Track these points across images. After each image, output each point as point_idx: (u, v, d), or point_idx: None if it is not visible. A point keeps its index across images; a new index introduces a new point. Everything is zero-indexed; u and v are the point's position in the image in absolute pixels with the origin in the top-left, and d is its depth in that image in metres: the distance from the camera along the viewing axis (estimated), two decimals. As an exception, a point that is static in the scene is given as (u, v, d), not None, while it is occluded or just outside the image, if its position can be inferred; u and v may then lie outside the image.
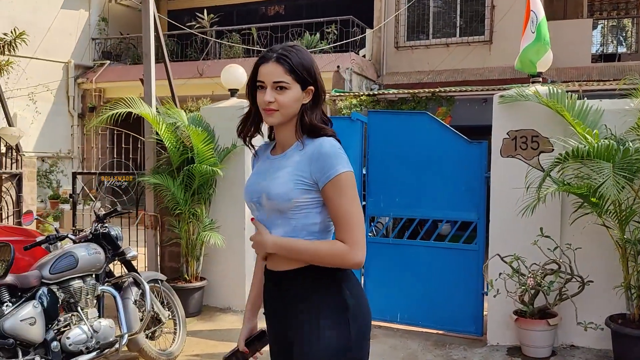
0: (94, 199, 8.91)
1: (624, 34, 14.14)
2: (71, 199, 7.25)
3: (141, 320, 4.33)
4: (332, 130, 1.97)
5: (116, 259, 4.48)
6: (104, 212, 4.47)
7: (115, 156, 8.54)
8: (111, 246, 4.44)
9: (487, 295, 4.89)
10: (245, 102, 6.23)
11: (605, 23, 13.05)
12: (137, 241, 6.63)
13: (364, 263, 1.89)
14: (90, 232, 4.41)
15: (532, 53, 4.90)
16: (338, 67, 10.95)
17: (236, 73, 6.30)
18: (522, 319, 4.58)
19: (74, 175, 7.12)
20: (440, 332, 5.38)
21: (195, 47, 13.68)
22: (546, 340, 4.56)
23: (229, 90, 6.33)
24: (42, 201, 12.83)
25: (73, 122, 14.24)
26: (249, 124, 2.04)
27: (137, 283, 4.43)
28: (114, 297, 4.30)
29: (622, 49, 14.18)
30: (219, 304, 6.24)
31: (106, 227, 4.48)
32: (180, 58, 13.65)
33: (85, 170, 12.24)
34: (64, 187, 13.24)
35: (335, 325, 1.87)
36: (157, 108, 6.17)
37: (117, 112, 5.56)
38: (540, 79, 5.03)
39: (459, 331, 5.31)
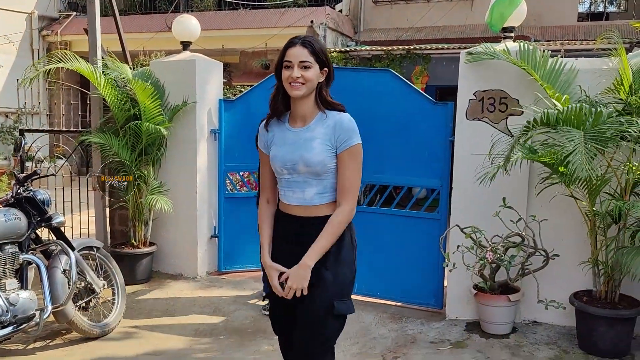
0: (62, 157, 8.50)
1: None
2: (19, 158, 6.83)
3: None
4: (342, 105, 2.46)
5: (43, 225, 4.10)
6: (23, 175, 4.06)
7: (80, 112, 8.08)
8: (37, 211, 4.06)
9: (445, 264, 4.58)
10: (198, 56, 5.78)
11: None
12: (87, 204, 6.25)
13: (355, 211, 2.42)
14: (12, 197, 4.02)
15: (505, 5, 4.47)
16: (312, 21, 10.42)
17: (189, 24, 5.82)
18: (482, 293, 4.28)
19: (21, 132, 6.68)
20: (399, 304, 5.09)
21: (165, -1, 13.03)
22: (506, 317, 4.28)
23: (181, 42, 5.86)
24: (5, 158, 12.34)
25: (38, 77, 13.57)
26: (279, 102, 2.48)
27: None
28: (38, 267, 3.94)
29: (612, 8, 13.68)
30: (170, 270, 5.91)
31: (31, 190, 4.09)
32: (148, 10, 13.00)
33: (45, 128, 11.72)
34: (29, 144, 12.71)
35: (349, 260, 2.45)
36: (103, 62, 5.69)
37: (50, 67, 5.09)
38: (512, 35, 4.61)
39: (419, 304, 5.02)
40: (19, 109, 13.09)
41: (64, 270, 4.03)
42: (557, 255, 4.18)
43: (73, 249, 4.11)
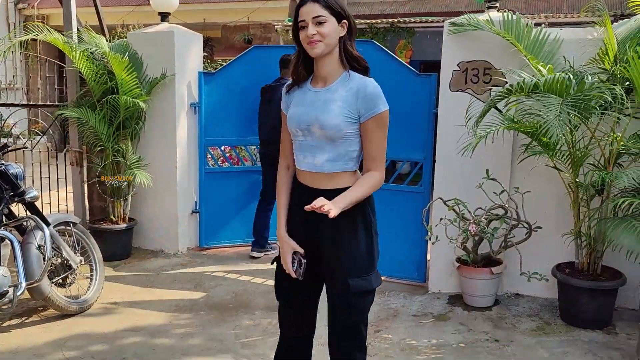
0: (40, 133, 8.34)
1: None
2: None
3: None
4: (365, 60, 2.31)
5: (16, 200, 3.99)
6: (-7, 148, 3.94)
7: (56, 87, 7.88)
8: (9, 186, 3.94)
9: (428, 237, 4.54)
10: (177, 27, 5.63)
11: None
12: (65, 179, 6.13)
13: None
14: (-19, 171, 3.90)
15: (489, -26, 4.39)
16: (295, -6, 10.22)
17: (167, -6, 5.65)
18: (464, 266, 4.26)
19: (-6, 107, 6.52)
20: (383, 278, 5.04)
21: (145, -29, 12.72)
22: (489, 289, 4.26)
23: (159, 13, 5.70)
24: (-13, 131, 12.08)
25: (16, 51, 13.28)
26: (301, 67, 2.32)
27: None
28: (11, 243, 3.83)
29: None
30: (150, 247, 5.83)
31: (2, 164, 3.96)
32: (129, -17, 12.69)
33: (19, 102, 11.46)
34: (7, 121, 12.47)
35: (366, 235, 2.33)
36: (79, 34, 5.53)
37: (24, 39, 4.94)
38: (497, 4, 4.53)
39: (402, 277, 4.99)
40: (-4, 84, 12.87)
41: (39, 246, 3.93)
42: (540, 227, 4.16)
43: (48, 224, 4.01)
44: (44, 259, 3.89)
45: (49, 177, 6.02)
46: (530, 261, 4.26)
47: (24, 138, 11.13)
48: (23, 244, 3.93)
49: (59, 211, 6.19)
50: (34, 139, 9.81)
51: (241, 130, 5.97)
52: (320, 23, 2.18)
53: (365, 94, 2.21)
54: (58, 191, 6.13)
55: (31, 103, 6.34)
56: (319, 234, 2.33)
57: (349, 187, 2.27)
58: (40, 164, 6.15)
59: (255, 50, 5.87)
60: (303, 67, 2.32)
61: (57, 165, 6.12)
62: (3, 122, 6.81)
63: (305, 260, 2.33)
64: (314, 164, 2.31)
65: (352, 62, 2.27)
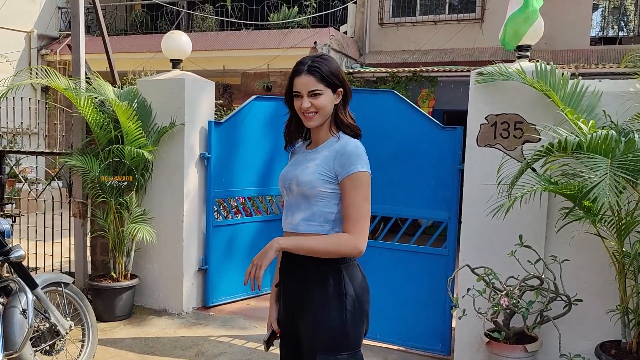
0: (55, 179, 8.10)
1: (626, 18, 13.24)
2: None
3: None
4: (358, 127, 2.26)
5: (1, 259, 3.66)
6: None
7: (64, 134, 7.68)
8: (-5, 244, 3.62)
9: (454, 309, 4.09)
10: (188, 74, 5.39)
11: (607, 4, 12.11)
12: (69, 230, 5.82)
13: (364, 252, 2.10)
14: (-36, 227, 3.59)
15: (519, 22, 4.06)
16: (315, 43, 10.06)
17: (179, 41, 5.43)
18: (495, 342, 3.78)
19: (2, 153, 6.32)
20: (402, 348, 4.60)
21: (166, 19, 12.74)
22: (522, 369, 3.77)
23: (171, 60, 5.47)
24: (-2, 179, 11.95)
25: (35, 97, 13.30)
26: (293, 130, 2.30)
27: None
28: (-8, 307, 3.48)
29: (622, 34, 13.29)
30: (153, 305, 5.45)
31: (-12, 220, 3.66)
32: (150, 30, 12.72)
33: (48, 150, 11.35)
34: (23, 165, 12.38)
35: (339, 308, 2.11)
36: (87, 80, 5.31)
37: (22, 83, 4.72)
38: (528, 54, 4.19)
39: (424, 348, 4.54)
40: (15, 129, 12.83)
41: (23, 311, 3.57)
42: (580, 300, 3.69)
43: (35, 286, 3.66)
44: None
45: (52, 227, 5.72)
46: (570, 338, 3.78)
47: (38, 183, 10.99)
48: (6, 307, 3.57)
49: (61, 263, 5.88)
50: (49, 184, 9.65)
51: (252, 181, 5.68)
52: (316, 95, 2.14)
53: (343, 153, 2.13)
54: (61, 241, 5.81)
55: (38, 150, 6.09)
56: (293, 299, 2.24)
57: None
58: (53, 209, 5.87)
59: (255, 102, 5.65)
60: (296, 131, 2.30)
61: (61, 214, 5.83)
62: (12, 167, 6.64)
63: (276, 335, 2.34)
64: (292, 223, 2.23)
65: (344, 129, 2.23)
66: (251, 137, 5.62)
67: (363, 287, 2.20)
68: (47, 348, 3.82)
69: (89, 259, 5.66)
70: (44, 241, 5.81)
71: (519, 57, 4.19)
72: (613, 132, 3.18)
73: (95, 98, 4.96)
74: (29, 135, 13.18)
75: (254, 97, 5.71)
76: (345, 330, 2.11)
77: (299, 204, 2.20)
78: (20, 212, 6.46)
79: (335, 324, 2.11)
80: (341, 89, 2.20)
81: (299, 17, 11.13)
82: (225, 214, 5.94)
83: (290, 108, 2.25)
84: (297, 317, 2.22)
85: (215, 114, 5.84)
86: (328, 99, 2.16)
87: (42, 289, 3.75)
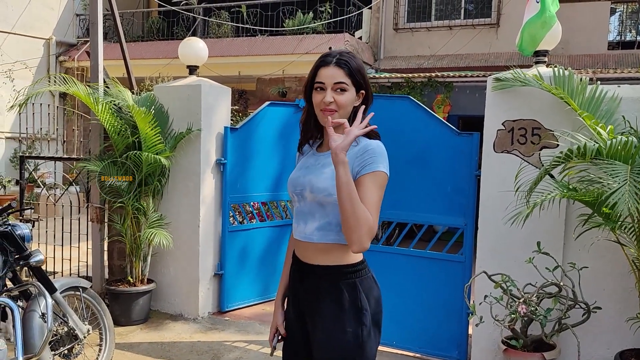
0: (73, 184, 8.19)
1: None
2: (18, 185, 6.58)
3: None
4: (378, 133, 2.11)
5: (21, 263, 3.70)
6: (-1, 208, 3.68)
7: (82, 139, 7.78)
8: (15, 248, 3.66)
9: (470, 316, 4.07)
10: (204, 80, 5.42)
11: (624, 8, 12.00)
12: (87, 235, 5.87)
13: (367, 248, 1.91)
14: (-15, 231, 3.63)
15: (537, 27, 4.04)
16: (330, 48, 10.07)
17: (196, 47, 5.47)
18: (512, 350, 3.75)
19: (22, 158, 6.43)
20: (417, 355, 4.58)
21: (182, 26, 12.84)
22: (540, 377, 3.74)
23: (188, 67, 5.51)
24: (17, 184, 12.11)
25: (54, 103, 13.46)
26: (312, 127, 2.15)
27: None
28: (11, 311, 3.52)
29: (640, 38, 13.15)
30: (169, 310, 5.48)
31: (9, 224, 3.69)
32: (166, 37, 12.82)
33: (66, 155, 11.49)
34: (42, 170, 12.53)
35: (355, 323, 2.01)
36: (105, 87, 5.36)
37: (41, 91, 4.79)
38: (545, 59, 4.17)
39: (440, 355, 4.51)
40: (33, 134, 12.98)
41: (43, 315, 3.61)
42: (599, 308, 3.65)
43: (54, 290, 3.71)
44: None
45: (70, 232, 5.78)
46: (589, 346, 3.75)
47: (56, 188, 11.11)
48: (26, 311, 3.61)
49: (78, 267, 5.94)
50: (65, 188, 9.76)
51: (267, 186, 5.71)
52: (341, 90, 2.01)
53: (365, 150, 1.99)
54: (79, 245, 5.87)
55: (56, 156, 6.17)
56: (302, 307, 2.16)
57: (342, 265, 2.04)
58: (71, 214, 5.93)
59: (269, 107, 5.67)
60: (314, 128, 2.15)
61: (79, 219, 5.89)
62: (31, 172, 6.72)
63: (280, 340, 2.30)
64: (304, 232, 2.10)
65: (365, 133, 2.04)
66: (265, 142, 5.65)
67: (378, 301, 2.12)
68: (66, 352, 3.86)
69: (106, 263, 5.70)
70: (62, 246, 5.88)
71: (537, 63, 4.17)
72: (633, 137, 3.15)
73: (113, 104, 5.01)
74: (48, 140, 13.31)
75: (267, 103, 5.75)
76: (362, 346, 2.03)
77: (312, 212, 2.07)
78: (39, 216, 6.55)
79: (350, 338, 2.01)
80: (363, 91, 2.07)
81: (314, 23, 11.17)
82: (241, 220, 5.96)
83: (308, 102, 2.11)
84: (309, 326, 2.14)
85: (231, 119, 5.88)
86: (350, 98, 2.03)
87: (60, 293, 3.80)
